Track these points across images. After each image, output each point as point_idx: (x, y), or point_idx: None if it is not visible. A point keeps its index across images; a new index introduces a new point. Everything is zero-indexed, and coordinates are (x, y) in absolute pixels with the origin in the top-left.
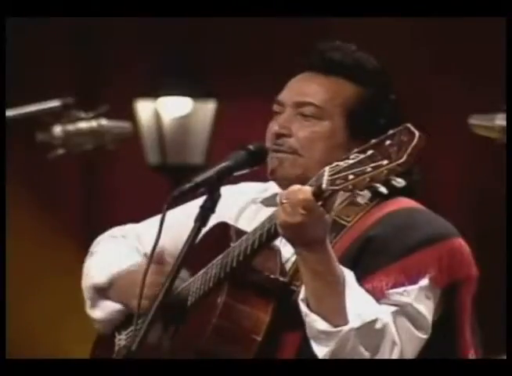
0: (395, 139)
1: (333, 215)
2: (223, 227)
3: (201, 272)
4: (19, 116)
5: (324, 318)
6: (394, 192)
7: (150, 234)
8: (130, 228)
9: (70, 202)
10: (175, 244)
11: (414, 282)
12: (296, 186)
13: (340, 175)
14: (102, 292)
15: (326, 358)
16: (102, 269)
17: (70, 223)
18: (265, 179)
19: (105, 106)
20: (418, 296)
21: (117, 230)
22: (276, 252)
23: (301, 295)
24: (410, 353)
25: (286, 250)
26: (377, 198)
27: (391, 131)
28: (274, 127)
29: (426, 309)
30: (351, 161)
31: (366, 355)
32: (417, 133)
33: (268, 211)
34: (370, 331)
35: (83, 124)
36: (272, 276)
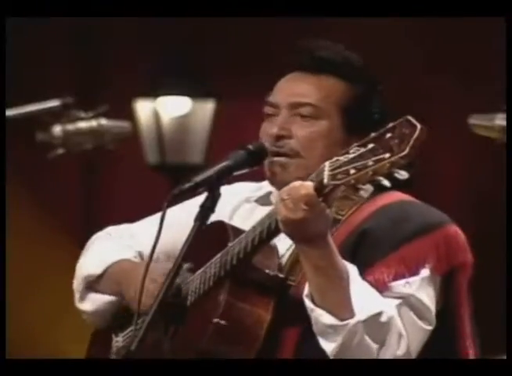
0: (396, 131)
1: (333, 210)
2: (220, 226)
3: (200, 271)
4: (19, 116)
5: (330, 312)
6: (392, 186)
7: (145, 233)
8: (125, 227)
9: (70, 202)
10: (173, 243)
11: (415, 272)
12: (297, 182)
13: (341, 169)
14: (93, 284)
15: (335, 353)
16: (96, 260)
17: (69, 223)
18: (258, 179)
19: (104, 106)
20: (420, 287)
21: (111, 229)
22: (273, 249)
23: (306, 291)
24: (416, 345)
25: (281, 245)
26: (377, 192)
27: (390, 124)
28: (272, 129)
29: (429, 299)
30: (351, 156)
31: (374, 347)
32: (419, 125)
33: (262, 210)
34: (376, 324)
35: (83, 124)
36: (271, 274)
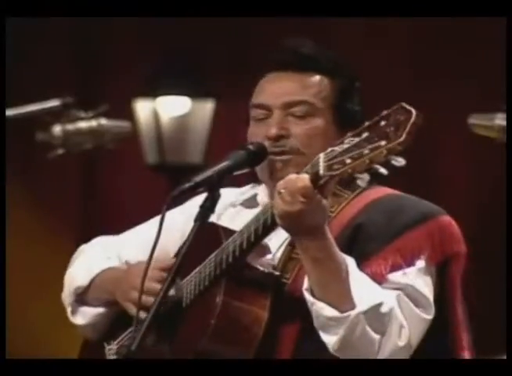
0: (391, 119)
1: (329, 201)
2: (211, 227)
3: (193, 272)
4: (19, 116)
5: (331, 305)
6: (373, 179)
7: (131, 244)
8: (111, 238)
9: (70, 202)
10: (164, 249)
11: (410, 263)
12: (293, 175)
13: (336, 160)
14: (82, 296)
15: (337, 346)
16: (82, 272)
17: (69, 223)
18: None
19: (104, 106)
20: (417, 277)
21: (97, 240)
22: (265, 247)
23: (305, 285)
24: (417, 335)
25: (272, 244)
26: (363, 189)
27: (384, 112)
28: (270, 130)
29: (426, 289)
30: (346, 146)
31: (376, 338)
32: (414, 111)
33: (249, 213)
34: (377, 314)
35: (83, 124)
36: (266, 271)
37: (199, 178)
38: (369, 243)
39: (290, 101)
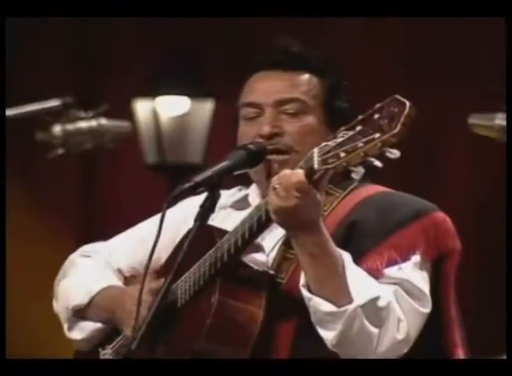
0: (384, 111)
1: (323, 197)
2: (205, 228)
3: (188, 273)
4: (19, 115)
5: (328, 300)
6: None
7: (121, 249)
8: (101, 245)
9: (70, 201)
10: (144, 255)
11: (406, 258)
12: (287, 171)
13: (330, 153)
14: (80, 313)
15: (335, 342)
16: (81, 290)
17: (69, 222)
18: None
19: (104, 106)
20: (413, 271)
21: (88, 248)
22: (259, 246)
23: (301, 281)
24: (415, 329)
25: (266, 244)
26: (354, 187)
27: (377, 105)
28: (263, 128)
29: (422, 283)
30: (339, 140)
31: (374, 332)
32: (408, 103)
33: (239, 214)
34: (375, 308)
35: (83, 124)
36: (260, 270)
37: (199, 178)
38: (364, 240)
39: (281, 99)
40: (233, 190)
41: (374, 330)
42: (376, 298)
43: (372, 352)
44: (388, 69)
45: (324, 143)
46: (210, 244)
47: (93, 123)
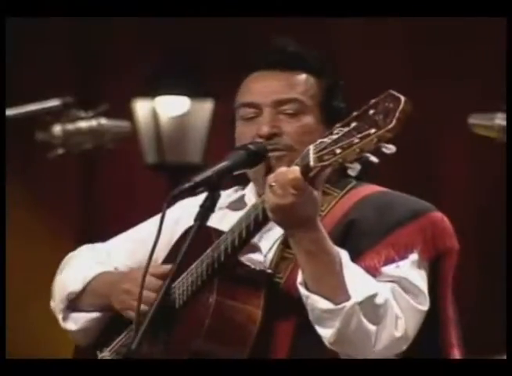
0: (379, 107)
1: (320, 195)
2: (202, 228)
3: (185, 273)
4: (19, 115)
5: (326, 297)
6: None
7: (119, 250)
8: (99, 245)
9: (70, 201)
10: (143, 255)
11: (403, 256)
12: (283, 168)
13: (326, 150)
14: (75, 302)
15: (333, 339)
16: (75, 277)
17: (69, 222)
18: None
19: (104, 106)
20: (411, 269)
21: (85, 247)
22: (256, 247)
23: (299, 279)
24: (413, 327)
25: (263, 245)
26: (351, 187)
27: (372, 101)
28: (262, 128)
29: (420, 281)
30: (335, 136)
31: (372, 330)
32: (403, 98)
33: (236, 215)
34: (373, 305)
35: (83, 124)
36: (258, 269)
37: (199, 178)
38: (362, 238)
39: (280, 99)
40: (230, 191)
41: (372, 327)
42: (374, 296)
43: (370, 349)
44: (388, 69)
45: (320, 140)
46: (207, 245)
47: (93, 123)
